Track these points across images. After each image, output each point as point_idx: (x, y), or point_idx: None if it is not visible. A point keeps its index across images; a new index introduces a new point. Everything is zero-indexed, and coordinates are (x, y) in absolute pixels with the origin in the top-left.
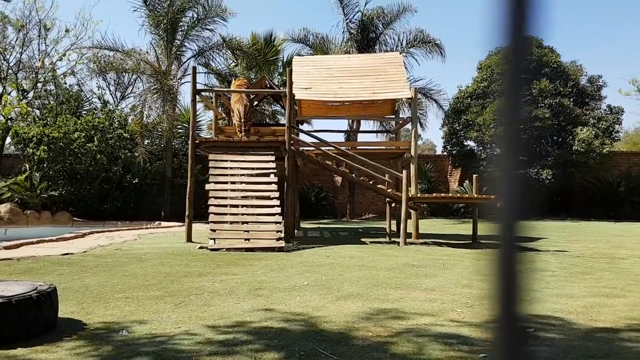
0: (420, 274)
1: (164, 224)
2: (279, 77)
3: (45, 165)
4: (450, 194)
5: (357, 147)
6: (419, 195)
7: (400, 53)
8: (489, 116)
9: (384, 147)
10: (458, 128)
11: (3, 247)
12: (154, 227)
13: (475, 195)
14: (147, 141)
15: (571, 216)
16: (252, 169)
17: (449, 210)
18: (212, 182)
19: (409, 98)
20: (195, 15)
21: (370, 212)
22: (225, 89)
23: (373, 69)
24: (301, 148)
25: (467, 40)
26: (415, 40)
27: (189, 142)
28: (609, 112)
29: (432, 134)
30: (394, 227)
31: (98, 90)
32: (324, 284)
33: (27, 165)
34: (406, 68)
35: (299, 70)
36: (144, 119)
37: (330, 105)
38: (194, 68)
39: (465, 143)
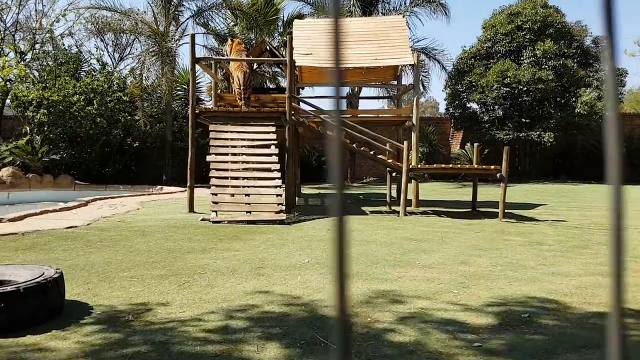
0: (419, 249)
1: (165, 188)
2: (279, 37)
3: (45, 128)
4: (450, 165)
5: (358, 115)
6: (419, 166)
7: (403, 13)
8: (493, 78)
9: (385, 115)
10: (461, 90)
11: (8, 220)
12: (156, 193)
13: (476, 166)
14: (146, 104)
15: (572, 178)
16: (253, 139)
17: (449, 174)
18: (212, 153)
19: (411, 64)
20: None
21: (370, 176)
22: (225, 57)
23: (375, 34)
24: (302, 118)
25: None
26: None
27: (189, 111)
28: None
29: (435, 94)
30: (394, 193)
31: (96, 51)
32: (324, 262)
33: (28, 128)
34: (409, 28)
35: (299, 34)
36: (143, 81)
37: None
38: (193, 36)
39: (468, 105)
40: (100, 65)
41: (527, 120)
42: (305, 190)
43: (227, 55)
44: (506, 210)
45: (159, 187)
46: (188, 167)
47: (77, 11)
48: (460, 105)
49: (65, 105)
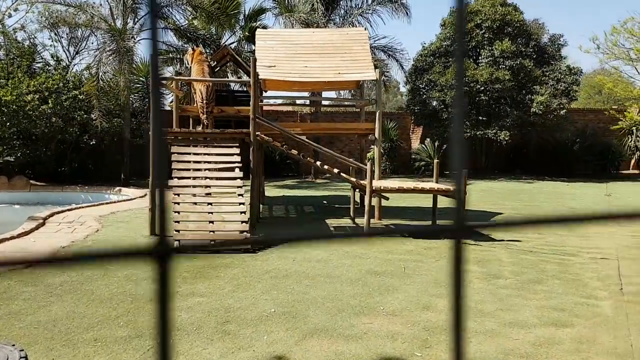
0: (383, 286)
1: (124, 191)
2: (241, 31)
3: None
4: (412, 186)
5: (323, 128)
6: (382, 187)
7: (364, 11)
8: (451, 76)
9: (348, 128)
10: (421, 86)
11: None
12: (114, 202)
13: (436, 187)
14: (103, 101)
15: (526, 174)
16: (217, 162)
17: (410, 169)
18: (175, 177)
19: (373, 80)
20: None
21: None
22: (187, 78)
23: (338, 47)
24: (265, 138)
25: None
26: None
27: (150, 133)
28: (567, 73)
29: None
30: (357, 197)
31: (50, 45)
32: (290, 312)
33: None
34: (371, 26)
35: (262, 45)
36: (100, 79)
37: (295, 81)
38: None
39: (428, 102)
40: (55, 61)
41: (484, 119)
42: (269, 190)
43: (188, 64)
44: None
45: (117, 188)
46: (149, 189)
47: (29, 5)
48: (421, 101)
49: (19, 104)
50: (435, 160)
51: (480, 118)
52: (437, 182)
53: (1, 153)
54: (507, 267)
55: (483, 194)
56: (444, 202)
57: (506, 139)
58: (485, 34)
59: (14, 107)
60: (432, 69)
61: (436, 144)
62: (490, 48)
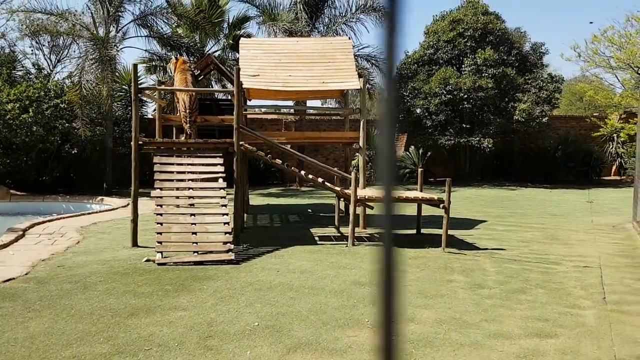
0: (368, 298)
1: (106, 200)
2: (225, 39)
3: None
4: (398, 195)
5: (307, 137)
6: (366, 196)
7: (348, 20)
8: (435, 84)
9: (333, 137)
10: (405, 94)
11: None
12: (96, 212)
13: (420, 197)
14: (86, 110)
15: (509, 180)
16: (200, 172)
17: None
18: (157, 187)
19: (357, 89)
20: None
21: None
22: (169, 88)
23: (322, 56)
24: (249, 147)
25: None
26: (365, 7)
27: (132, 143)
28: (549, 81)
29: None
30: (341, 206)
31: (31, 53)
32: (273, 325)
33: None
34: (355, 35)
35: (246, 54)
36: (82, 88)
37: (279, 90)
38: (135, 66)
39: (412, 109)
40: (36, 69)
41: (468, 126)
42: (254, 198)
43: (170, 73)
44: (449, 231)
45: (99, 198)
46: (132, 201)
47: (9, 14)
48: (405, 109)
49: None
50: (420, 169)
51: (464, 126)
52: (421, 191)
53: None
54: (492, 277)
55: (467, 202)
56: (428, 210)
57: (489, 146)
58: (468, 42)
59: None
60: (416, 76)
61: (420, 151)
62: (473, 56)
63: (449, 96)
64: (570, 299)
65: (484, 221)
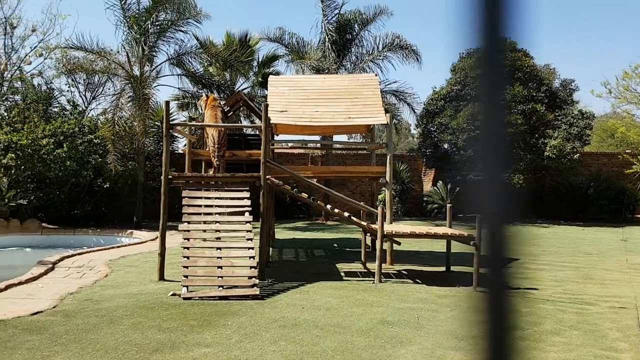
0: (395, 338)
1: (136, 233)
2: (254, 77)
3: (12, 171)
4: (425, 231)
5: (334, 171)
6: (393, 232)
7: (375, 58)
8: (463, 120)
9: (359, 172)
10: (432, 129)
11: None
12: (125, 245)
13: (449, 232)
14: (118, 145)
15: (541, 217)
16: (227, 206)
17: (422, 211)
18: (185, 221)
19: (384, 124)
20: (168, 17)
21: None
22: (199, 124)
23: (349, 92)
24: (276, 181)
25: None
26: (392, 45)
27: (162, 177)
28: (580, 118)
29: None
30: (368, 241)
31: (67, 91)
32: None
33: None
34: (382, 71)
35: (274, 91)
36: (115, 124)
37: (306, 125)
38: (167, 103)
39: (440, 144)
40: (71, 106)
41: (501, 163)
42: (280, 232)
43: (201, 110)
44: (479, 269)
45: (129, 231)
46: (160, 234)
47: (47, 49)
48: (432, 144)
49: (34, 148)
50: (448, 204)
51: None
52: (450, 226)
53: (15, 196)
54: (524, 317)
55: None
56: (457, 247)
57: (520, 182)
58: None
59: (29, 151)
60: (443, 112)
61: (449, 186)
62: (504, 91)
63: (477, 132)
64: (606, 341)
65: (516, 259)
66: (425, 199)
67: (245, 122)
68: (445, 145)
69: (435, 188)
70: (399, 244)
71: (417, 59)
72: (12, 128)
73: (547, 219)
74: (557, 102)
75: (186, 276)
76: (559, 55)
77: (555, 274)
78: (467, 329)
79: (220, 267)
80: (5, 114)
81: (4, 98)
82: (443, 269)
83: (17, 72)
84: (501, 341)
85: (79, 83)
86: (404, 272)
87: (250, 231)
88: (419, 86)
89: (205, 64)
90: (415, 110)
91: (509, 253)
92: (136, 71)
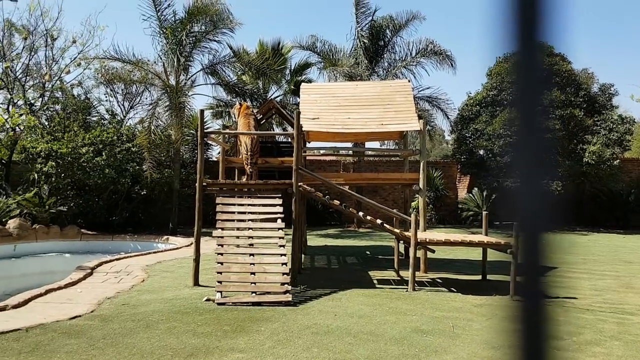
0: (430, 347)
1: (171, 239)
2: (287, 85)
3: (53, 179)
4: (460, 239)
5: (365, 178)
6: (427, 239)
7: (408, 64)
8: (499, 126)
9: (391, 179)
10: (468, 135)
11: (12, 307)
12: (161, 251)
13: (485, 240)
14: (155, 153)
15: (580, 224)
16: (260, 213)
17: (457, 219)
18: (219, 227)
19: (417, 130)
20: (202, 28)
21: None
22: (233, 132)
23: (381, 98)
24: (308, 188)
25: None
26: (425, 50)
27: (197, 184)
28: (620, 123)
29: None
30: (401, 248)
31: (106, 100)
32: None
33: (36, 176)
34: (415, 77)
35: (307, 98)
36: (152, 132)
37: (338, 132)
38: (202, 112)
39: (475, 151)
40: (110, 115)
41: (539, 169)
42: (312, 239)
43: (234, 118)
44: (517, 278)
45: (165, 237)
46: (195, 240)
47: (86, 60)
48: (467, 150)
49: (74, 156)
50: (484, 212)
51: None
52: (486, 234)
53: (55, 203)
54: (563, 327)
55: None
56: (494, 255)
57: (558, 189)
58: None
59: (69, 159)
60: (479, 118)
61: (484, 193)
62: (541, 96)
63: (514, 137)
64: None
65: (554, 268)
66: (460, 206)
67: (277, 130)
68: (481, 152)
69: (470, 195)
70: (433, 251)
71: (452, 64)
72: (52, 137)
73: (586, 227)
74: (595, 107)
75: (220, 282)
76: (597, 59)
77: (595, 282)
78: (503, 338)
79: (253, 273)
80: (47, 123)
81: (45, 108)
82: (479, 277)
83: (58, 82)
84: (537, 351)
85: (117, 93)
86: (438, 280)
87: (282, 238)
88: (452, 92)
89: (239, 72)
90: (449, 116)
91: (545, 261)
92: (172, 81)
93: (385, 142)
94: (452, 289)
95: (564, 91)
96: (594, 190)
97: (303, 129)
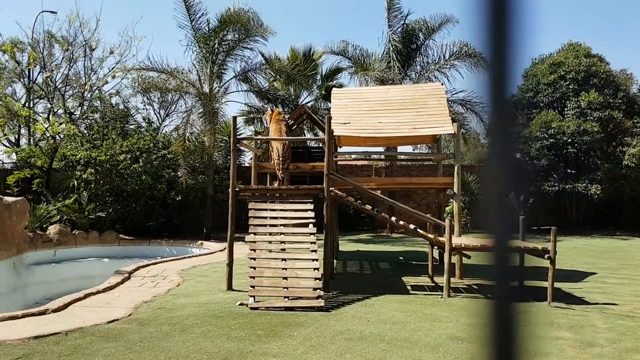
0: (465, 354)
1: (205, 244)
2: (318, 90)
3: (92, 185)
4: None
5: (398, 182)
6: (462, 245)
7: (441, 67)
8: (535, 128)
9: (425, 183)
10: None
11: (52, 311)
12: (196, 255)
13: (522, 246)
14: (189, 159)
15: (620, 229)
16: (292, 218)
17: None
18: (251, 232)
19: (451, 134)
20: (235, 36)
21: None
22: (265, 137)
23: (413, 102)
24: (339, 193)
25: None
26: (459, 53)
27: (230, 190)
28: None
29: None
30: (435, 254)
31: (142, 108)
32: None
33: (75, 183)
34: (448, 80)
35: (338, 103)
36: (186, 140)
37: (370, 136)
38: (234, 118)
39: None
40: (146, 123)
41: (573, 172)
42: (344, 244)
43: (266, 124)
44: (555, 284)
45: (199, 242)
46: (228, 245)
47: (124, 70)
48: None
49: (112, 163)
50: (521, 216)
51: (569, 171)
52: (523, 239)
53: (94, 209)
54: (603, 334)
55: (574, 252)
56: (532, 261)
57: (597, 192)
58: (570, 85)
59: (107, 166)
60: (515, 120)
61: (521, 197)
62: (576, 99)
63: (551, 140)
64: None
65: (593, 273)
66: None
67: (308, 135)
68: (517, 155)
69: (507, 199)
70: (469, 257)
71: (487, 67)
72: (91, 145)
73: (626, 231)
74: (635, 109)
75: (253, 286)
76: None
77: (636, 288)
78: (541, 345)
79: (286, 278)
80: (86, 131)
81: (84, 116)
82: (516, 283)
83: (96, 91)
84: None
85: (154, 101)
86: (474, 286)
87: (314, 243)
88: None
89: (270, 79)
90: (484, 120)
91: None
92: (206, 88)
93: (418, 146)
94: (489, 295)
95: (602, 92)
96: (634, 193)
97: (334, 133)
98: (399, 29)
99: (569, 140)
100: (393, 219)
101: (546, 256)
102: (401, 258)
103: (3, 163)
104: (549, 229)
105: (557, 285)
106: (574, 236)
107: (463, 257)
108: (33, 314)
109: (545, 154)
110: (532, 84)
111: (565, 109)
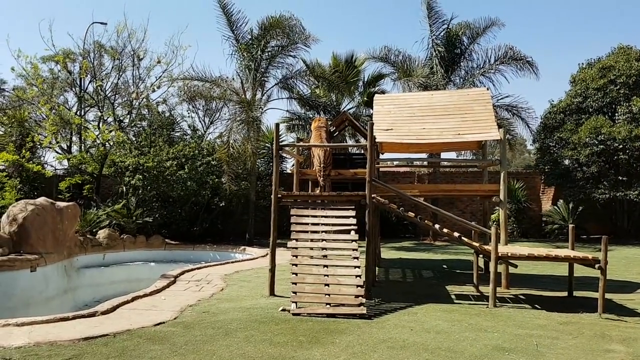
0: None
1: (248, 250)
2: (359, 97)
3: (140, 191)
4: (545, 253)
5: (441, 189)
6: (509, 253)
7: (486, 71)
8: (585, 134)
9: (469, 190)
10: (551, 144)
11: (101, 313)
12: (239, 260)
13: (572, 255)
14: (232, 166)
15: None
16: (333, 224)
17: (540, 232)
18: (293, 238)
19: (496, 140)
20: (278, 44)
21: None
22: (306, 144)
23: (458, 107)
24: (381, 200)
25: (557, 51)
26: (504, 57)
27: (272, 196)
28: None
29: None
30: (480, 263)
31: (188, 116)
32: None
33: (124, 188)
34: (494, 85)
35: (380, 110)
36: (230, 147)
37: (412, 143)
38: (277, 125)
39: (560, 161)
40: (191, 130)
41: (625, 179)
42: (385, 251)
43: (309, 131)
44: (606, 295)
45: (242, 247)
46: (270, 251)
47: (170, 79)
48: (551, 160)
49: (159, 170)
50: (570, 225)
51: (620, 178)
52: (573, 249)
53: (142, 214)
54: None
55: (626, 262)
56: (581, 270)
57: None
58: (621, 90)
59: (154, 172)
60: (563, 126)
61: (570, 205)
62: (627, 104)
63: (601, 146)
64: None
65: None
66: (544, 219)
67: (350, 142)
68: (566, 162)
69: (555, 207)
70: (516, 266)
71: (533, 70)
72: (139, 151)
73: None
74: None
75: (295, 292)
76: None
77: None
78: (591, 358)
79: (327, 285)
80: (134, 138)
81: (132, 124)
82: (565, 294)
83: (144, 100)
84: None
85: (199, 109)
86: (521, 296)
87: (356, 250)
88: (534, 101)
89: (312, 86)
90: (530, 125)
91: None
92: (249, 96)
93: (462, 152)
94: (536, 305)
95: None
96: None
97: (376, 140)
98: (442, 34)
99: (620, 146)
100: (437, 226)
101: (597, 266)
102: (445, 266)
103: (56, 169)
104: (600, 237)
105: (608, 296)
106: (626, 246)
107: (510, 266)
108: (83, 316)
109: (595, 160)
110: (581, 89)
111: (616, 114)
